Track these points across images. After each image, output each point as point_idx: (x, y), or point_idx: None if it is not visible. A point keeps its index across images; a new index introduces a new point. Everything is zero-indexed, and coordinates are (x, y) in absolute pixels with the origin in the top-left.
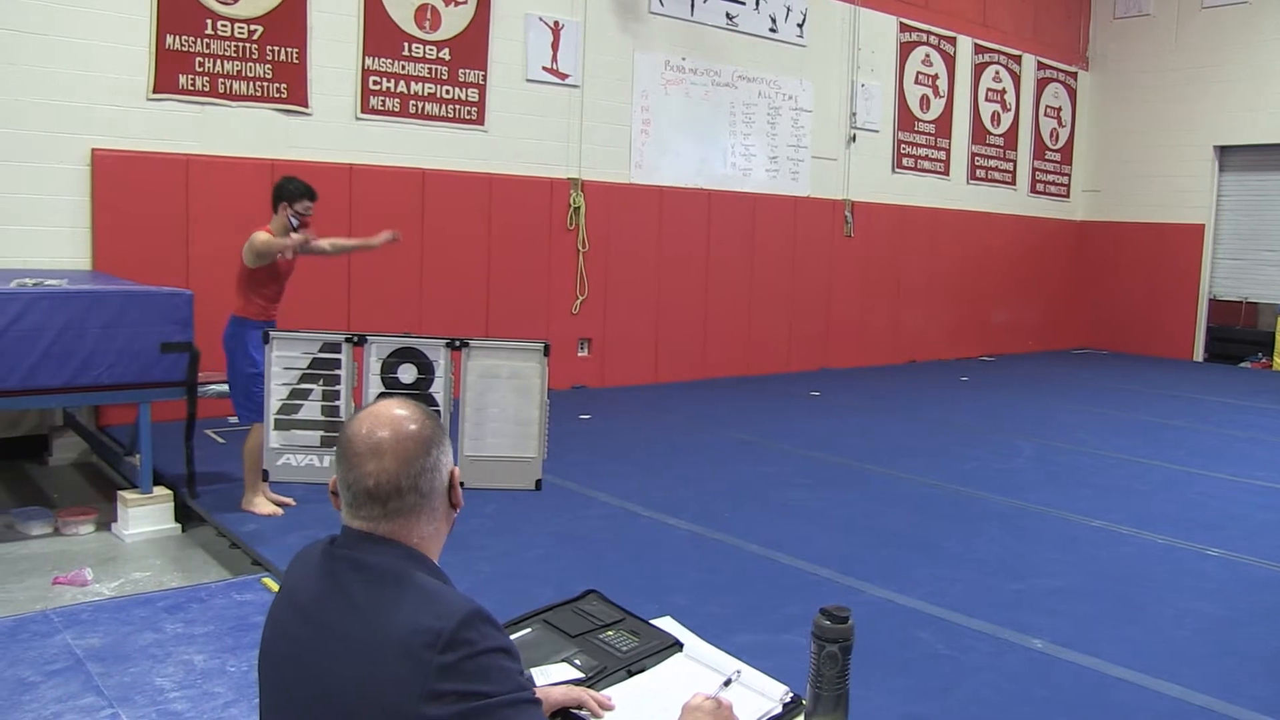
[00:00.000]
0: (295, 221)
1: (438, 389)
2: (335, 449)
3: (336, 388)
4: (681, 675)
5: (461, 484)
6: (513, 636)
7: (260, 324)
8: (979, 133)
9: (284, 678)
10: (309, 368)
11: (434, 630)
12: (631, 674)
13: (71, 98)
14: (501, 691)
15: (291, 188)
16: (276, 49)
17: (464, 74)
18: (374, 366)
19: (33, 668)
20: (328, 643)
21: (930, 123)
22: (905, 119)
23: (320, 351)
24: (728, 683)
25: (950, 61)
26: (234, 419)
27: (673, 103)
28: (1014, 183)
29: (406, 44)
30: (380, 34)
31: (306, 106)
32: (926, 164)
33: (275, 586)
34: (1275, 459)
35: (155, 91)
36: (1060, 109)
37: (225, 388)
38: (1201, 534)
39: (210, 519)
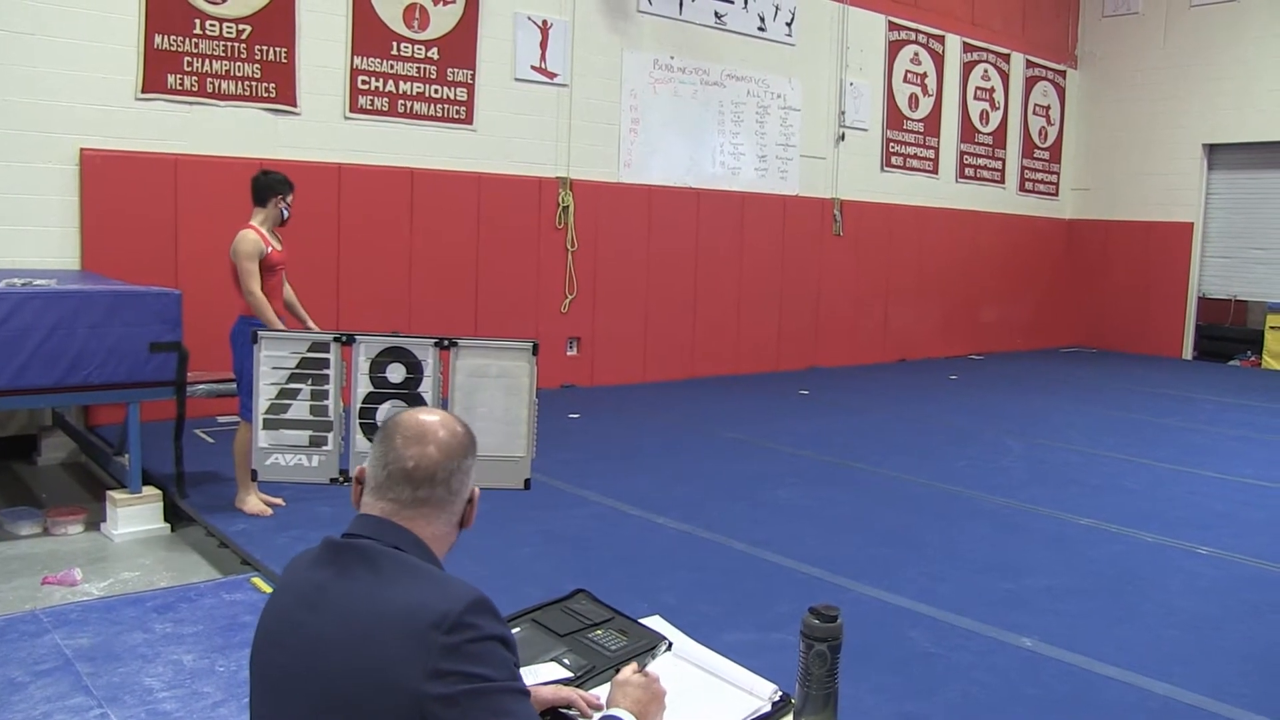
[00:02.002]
0: (286, 213)
1: (426, 388)
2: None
3: (325, 387)
4: (670, 674)
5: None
6: None
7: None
8: (968, 131)
9: (279, 661)
10: (297, 367)
11: (440, 611)
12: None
13: (60, 97)
14: (501, 678)
15: (280, 179)
16: (265, 48)
17: (453, 73)
18: (362, 366)
19: (21, 668)
20: (328, 624)
21: (919, 121)
22: (894, 118)
23: (309, 351)
24: (669, 647)
25: (939, 60)
26: (223, 417)
27: (661, 102)
28: (1003, 181)
29: (395, 43)
30: (369, 33)
31: (295, 106)
32: (915, 163)
33: (265, 586)
34: (1264, 457)
35: (144, 91)
36: (1049, 107)
37: (214, 387)
38: (1190, 532)
39: (199, 518)
